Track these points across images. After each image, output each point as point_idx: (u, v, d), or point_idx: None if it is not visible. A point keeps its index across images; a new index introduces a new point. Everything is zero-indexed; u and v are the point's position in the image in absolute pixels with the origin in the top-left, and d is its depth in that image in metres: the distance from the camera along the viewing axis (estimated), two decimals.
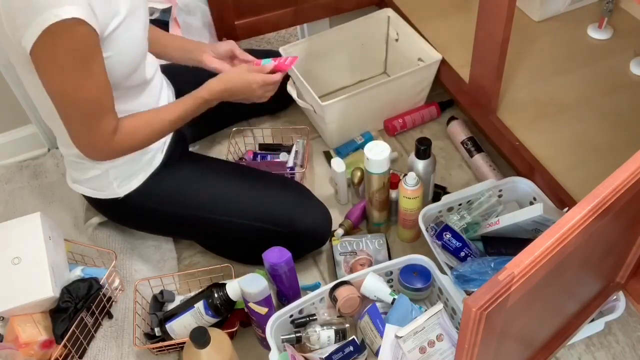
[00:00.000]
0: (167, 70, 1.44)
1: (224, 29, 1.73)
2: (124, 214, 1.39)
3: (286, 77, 1.65)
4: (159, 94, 1.33)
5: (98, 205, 1.38)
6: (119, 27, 1.09)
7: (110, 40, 1.08)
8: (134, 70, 1.18)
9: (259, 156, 1.64)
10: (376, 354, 1.18)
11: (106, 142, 1.15)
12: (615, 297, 1.22)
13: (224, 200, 1.34)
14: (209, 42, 1.74)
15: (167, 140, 1.34)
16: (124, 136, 1.16)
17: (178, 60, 1.44)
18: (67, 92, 1.06)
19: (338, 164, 1.49)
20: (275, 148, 1.66)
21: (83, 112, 1.10)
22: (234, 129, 1.67)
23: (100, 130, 1.13)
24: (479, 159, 1.55)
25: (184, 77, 1.46)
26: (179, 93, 1.43)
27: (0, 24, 1.01)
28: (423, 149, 1.34)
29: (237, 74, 1.31)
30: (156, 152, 1.31)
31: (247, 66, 1.34)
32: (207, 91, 1.26)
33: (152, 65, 1.29)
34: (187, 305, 1.25)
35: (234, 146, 1.66)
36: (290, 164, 1.58)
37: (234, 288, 1.21)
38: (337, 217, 1.50)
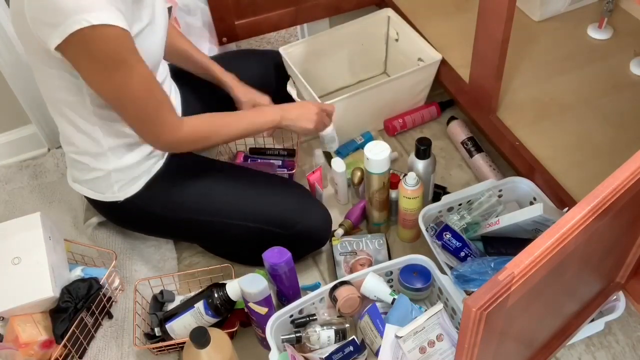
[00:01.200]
0: (172, 73, 1.44)
1: (224, 29, 1.73)
2: (123, 217, 1.39)
3: (286, 77, 1.65)
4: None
5: (98, 206, 1.38)
6: (140, 34, 1.10)
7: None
8: None
9: (249, 159, 1.65)
10: (376, 354, 1.18)
11: (172, 135, 1.19)
12: (615, 297, 1.22)
13: (224, 202, 1.34)
14: (209, 42, 1.75)
15: None
16: (188, 130, 1.20)
17: (196, 73, 1.47)
18: (116, 91, 1.09)
19: (338, 164, 1.49)
20: (264, 152, 1.67)
21: (138, 109, 1.13)
22: None
23: (161, 123, 1.17)
24: (479, 159, 1.55)
25: (189, 83, 1.46)
26: (184, 99, 1.43)
27: (21, 16, 1.01)
28: (423, 149, 1.34)
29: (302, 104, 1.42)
30: (158, 158, 1.31)
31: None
32: (282, 115, 1.33)
33: (163, 71, 1.29)
34: (187, 305, 1.25)
35: (225, 147, 1.66)
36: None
37: (234, 288, 1.21)
38: (337, 217, 1.50)
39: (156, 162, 1.31)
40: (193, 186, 1.34)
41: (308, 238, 1.37)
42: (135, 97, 1.11)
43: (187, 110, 1.43)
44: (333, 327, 1.19)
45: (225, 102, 1.55)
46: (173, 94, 1.38)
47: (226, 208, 1.33)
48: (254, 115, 1.35)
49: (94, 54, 1.02)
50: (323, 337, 1.18)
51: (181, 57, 1.45)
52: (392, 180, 1.40)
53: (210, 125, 1.26)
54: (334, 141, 1.50)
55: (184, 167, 1.36)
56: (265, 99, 1.48)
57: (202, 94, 1.49)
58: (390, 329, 1.14)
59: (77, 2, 0.96)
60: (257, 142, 1.70)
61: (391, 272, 1.29)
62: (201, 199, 1.33)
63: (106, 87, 1.08)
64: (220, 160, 1.57)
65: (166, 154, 1.33)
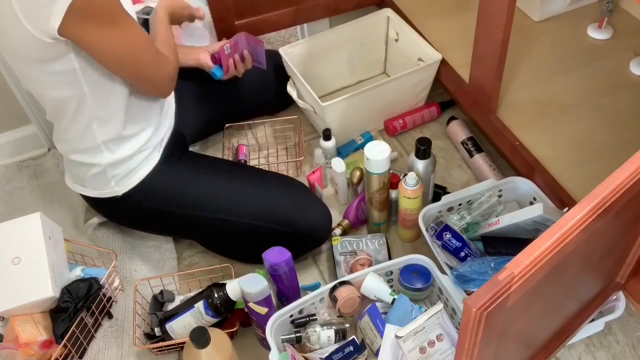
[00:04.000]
0: None
1: (224, 29, 1.73)
2: (122, 213, 1.39)
3: (286, 77, 1.65)
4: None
5: (97, 204, 1.38)
6: None
7: None
8: None
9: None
10: (376, 354, 1.18)
11: (171, 65, 1.22)
12: (615, 297, 1.22)
13: (223, 199, 1.34)
14: (209, 42, 1.75)
15: (164, 137, 1.34)
16: (169, 58, 1.24)
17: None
18: (128, 45, 1.11)
19: (338, 164, 1.49)
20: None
21: (150, 58, 1.16)
22: (226, 125, 1.67)
23: (165, 57, 1.21)
24: (479, 159, 1.55)
25: (185, 83, 1.46)
26: (178, 96, 1.43)
27: (12, 16, 1.01)
28: (423, 149, 1.34)
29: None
30: (153, 150, 1.31)
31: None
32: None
33: None
34: (187, 305, 1.25)
35: (229, 145, 1.66)
36: None
37: (234, 288, 1.21)
38: (337, 217, 1.50)
39: (150, 154, 1.30)
40: (193, 182, 1.34)
41: (308, 236, 1.37)
42: (144, 48, 1.14)
43: (180, 107, 1.43)
44: (333, 327, 1.19)
45: (217, 99, 1.55)
46: None
47: (226, 205, 1.33)
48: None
49: (95, 14, 1.03)
50: (323, 337, 1.18)
51: None
52: (392, 180, 1.40)
53: (168, 42, 1.28)
54: (334, 156, 1.56)
55: (182, 161, 1.36)
56: (222, 41, 1.51)
57: (195, 90, 1.49)
58: (390, 329, 1.14)
59: None
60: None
61: (391, 272, 1.29)
62: (201, 195, 1.33)
63: (115, 46, 1.09)
64: (220, 158, 1.56)
65: (162, 148, 1.33)
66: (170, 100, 1.40)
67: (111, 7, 1.05)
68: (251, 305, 1.18)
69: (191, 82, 1.52)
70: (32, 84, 1.18)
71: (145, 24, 1.36)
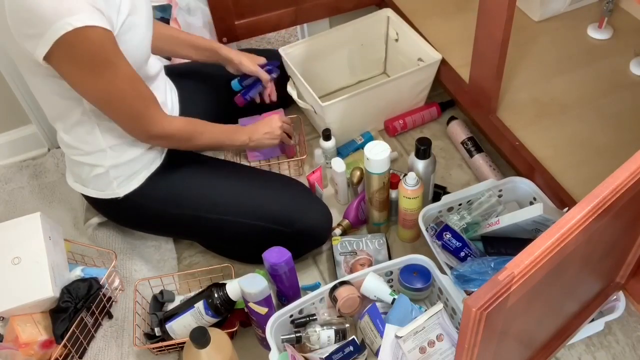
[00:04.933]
0: (169, 73, 1.44)
1: (224, 29, 1.73)
2: (123, 214, 1.39)
3: (287, 77, 1.65)
4: (164, 95, 1.34)
5: (98, 205, 1.38)
6: (123, 26, 1.10)
7: (117, 39, 1.08)
8: (138, 69, 1.18)
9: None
10: (376, 354, 1.18)
11: (161, 127, 1.21)
12: (615, 297, 1.22)
13: (224, 199, 1.34)
14: None
15: None
16: (176, 125, 1.24)
17: (195, 57, 1.50)
18: (103, 92, 1.09)
19: (338, 164, 1.49)
20: None
21: (126, 106, 1.14)
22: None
23: (149, 117, 1.19)
24: (479, 159, 1.55)
25: (186, 80, 1.46)
26: (182, 98, 1.43)
27: (7, 31, 1.01)
28: (423, 149, 1.34)
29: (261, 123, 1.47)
30: (156, 154, 1.31)
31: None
32: (246, 133, 1.40)
33: (155, 65, 1.29)
34: (187, 305, 1.25)
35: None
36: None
37: (234, 288, 1.21)
38: (337, 217, 1.50)
39: (155, 158, 1.31)
40: (193, 183, 1.34)
41: (308, 236, 1.37)
42: (123, 96, 1.12)
43: (185, 110, 1.43)
44: (333, 327, 1.19)
45: (222, 103, 1.55)
46: (168, 90, 1.39)
47: (227, 205, 1.33)
48: (229, 131, 1.38)
49: (78, 58, 1.02)
50: (323, 337, 1.18)
51: (175, 43, 1.47)
52: (392, 180, 1.40)
53: (194, 127, 1.29)
54: (334, 156, 1.57)
55: (184, 163, 1.36)
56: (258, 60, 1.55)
57: (200, 94, 1.49)
58: (390, 329, 1.14)
59: (56, 9, 0.96)
60: None
61: (391, 272, 1.29)
62: (201, 196, 1.33)
63: (93, 88, 1.08)
64: (220, 158, 1.57)
65: (165, 150, 1.33)
66: (176, 105, 1.41)
67: (100, 51, 1.04)
68: (251, 305, 1.18)
69: (193, 82, 1.52)
70: (34, 91, 1.19)
71: (160, 20, 1.37)
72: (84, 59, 1.03)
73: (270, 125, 1.44)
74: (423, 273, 1.25)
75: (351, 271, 1.35)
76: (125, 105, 1.14)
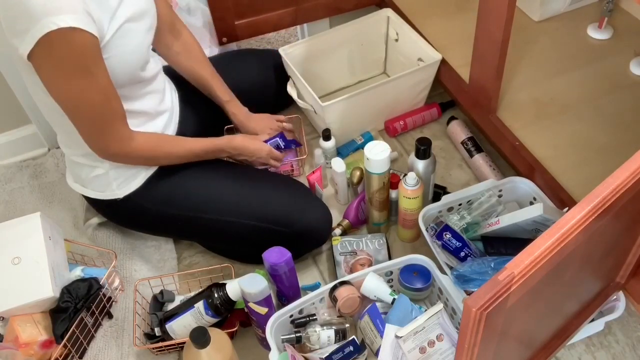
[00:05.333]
0: (170, 73, 1.44)
1: (224, 29, 1.73)
2: (123, 215, 1.39)
3: (286, 78, 1.65)
4: (163, 95, 1.34)
5: (97, 205, 1.38)
6: (117, 32, 1.09)
7: (109, 43, 1.08)
8: (132, 73, 1.18)
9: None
10: (376, 354, 1.18)
11: (120, 146, 1.18)
12: (615, 297, 1.22)
13: (223, 200, 1.34)
14: (209, 43, 1.75)
15: None
16: (137, 144, 1.20)
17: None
18: (73, 98, 1.08)
19: (338, 164, 1.49)
20: None
21: (92, 117, 1.12)
22: (226, 127, 1.66)
23: (112, 134, 1.16)
24: (479, 159, 1.55)
25: (187, 80, 1.46)
26: (182, 96, 1.43)
27: (2, 31, 1.01)
28: (423, 149, 1.34)
29: (255, 138, 1.47)
30: None
31: (263, 137, 1.51)
32: (227, 143, 1.37)
33: (154, 68, 1.29)
34: (187, 305, 1.25)
35: None
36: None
37: (234, 288, 1.21)
38: (337, 217, 1.50)
39: None
40: (193, 184, 1.34)
41: (309, 236, 1.37)
42: (91, 106, 1.10)
43: (185, 110, 1.43)
44: (333, 327, 1.19)
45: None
46: (168, 90, 1.39)
47: (226, 206, 1.33)
48: (210, 149, 1.36)
49: (57, 58, 1.01)
50: (323, 337, 1.18)
51: (199, 85, 1.47)
52: (392, 180, 1.40)
53: (157, 143, 1.27)
54: (334, 156, 1.57)
55: (184, 165, 1.36)
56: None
57: (201, 94, 1.49)
58: (390, 329, 1.14)
59: (44, 6, 0.95)
60: None
61: (391, 272, 1.29)
62: (201, 196, 1.33)
63: (63, 92, 1.07)
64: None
65: None
66: (176, 107, 1.41)
67: (80, 57, 1.02)
68: (251, 305, 1.18)
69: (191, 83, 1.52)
70: (31, 91, 1.18)
71: None
72: (62, 60, 1.01)
73: (259, 152, 1.43)
74: (423, 273, 1.25)
75: (351, 271, 1.35)
76: (90, 117, 1.12)
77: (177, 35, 1.40)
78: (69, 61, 1.02)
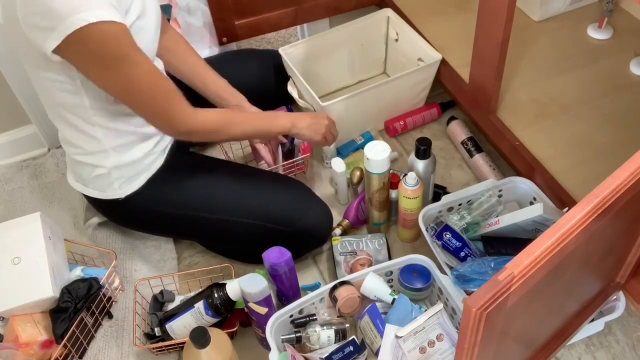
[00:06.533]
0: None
1: (224, 29, 1.73)
2: (124, 215, 1.39)
3: (286, 77, 1.65)
4: None
5: (98, 205, 1.38)
6: (131, 29, 1.09)
7: None
8: None
9: None
10: (376, 354, 1.18)
11: (184, 122, 1.19)
12: (615, 297, 1.22)
13: (224, 199, 1.34)
14: (209, 42, 1.75)
15: (169, 143, 1.34)
16: (202, 118, 1.22)
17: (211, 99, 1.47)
18: (123, 87, 1.09)
19: (338, 164, 1.49)
20: None
21: (147, 102, 1.13)
22: None
23: (173, 112, 1.17)
24: (479, 159, 1.55)
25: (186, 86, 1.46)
26: (184, 96, 1.43)
27: (14, 22, 1.01)
28: (423, 149, 1.34)
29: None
30: (158, 155, 1.31)
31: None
32: (289, 117, 1.37)
33: (159, 67, 1.29)
34: (187, 305, 1.25)
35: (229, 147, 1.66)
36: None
37: (234, 288, 1.21)
38: (337, 217, 1.50)
39: (156, 159, 1.31)
40: (194, 183, 1.34)
41: (309, 235, 1.38)
42: (143, 90, 1.11)
43: None
44: (333, 327, 1.19)
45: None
46: None
47: (227, 205, 1.33)
48: (266, 117, 1.38)
49: (95, 53, 1.02)
50: (323, 337, 1.18)
51: (192, 75, 1.46)
52: (392, 180, 1.40)
53: (223, 119, 1.27)
54: (334, 156, 1.56)
55: (185, 164, 1.36)
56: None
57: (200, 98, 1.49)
58: (390, 329, 1.14)
59: (70, 3, 0.96)
60: None
61: (391, 272, 1.29)
62: (202, 196, 1.33)
63: (112, 83, 1.08)
64: (220, 159, 1.56)
65: (167, 151, 1.33)
66: None
67: (116, 47, 1.03)
68: (251, 305, 1.18)
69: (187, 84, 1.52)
70: (37, 87, 1.18)
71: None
72: (100, 53, 1.02)
73: (317, 120, 1.40)
74: (423, 273, 1.25)
75: (351, 271, 1.35)
76: (146, 100, 1.14)
77: (164, 31, 1.39)
78: (106, 53, 1.03)
